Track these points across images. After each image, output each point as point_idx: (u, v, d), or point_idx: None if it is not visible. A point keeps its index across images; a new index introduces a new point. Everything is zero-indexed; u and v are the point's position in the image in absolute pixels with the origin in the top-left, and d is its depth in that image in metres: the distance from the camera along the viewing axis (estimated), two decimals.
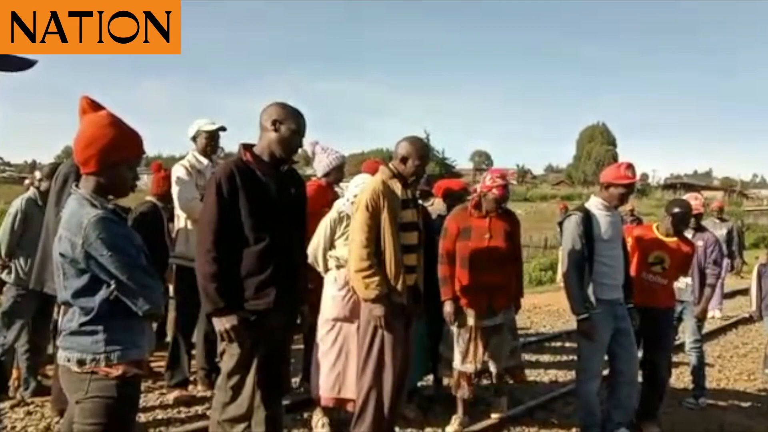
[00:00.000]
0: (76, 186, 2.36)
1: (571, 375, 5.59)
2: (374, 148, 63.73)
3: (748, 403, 5.69)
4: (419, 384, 4.99)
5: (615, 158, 67.66)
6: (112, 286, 2.23)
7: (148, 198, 5.24)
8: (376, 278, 3.49)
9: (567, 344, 7.29)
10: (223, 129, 4.77)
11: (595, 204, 4.17)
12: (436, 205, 5.49)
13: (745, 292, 11.64)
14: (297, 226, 3.16)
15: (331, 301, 4.08)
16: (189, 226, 4.53)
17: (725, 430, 4.96)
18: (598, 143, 74.36)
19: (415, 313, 3.77)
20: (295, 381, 4.77)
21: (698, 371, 5.46)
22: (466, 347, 4.31)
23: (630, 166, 4.13)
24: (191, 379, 4.84)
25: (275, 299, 2.96)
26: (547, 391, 5.41)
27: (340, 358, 4.05)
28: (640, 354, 4.52)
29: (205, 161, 4.71)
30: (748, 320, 9.28)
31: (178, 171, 4.64)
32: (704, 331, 5.87)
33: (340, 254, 4.04)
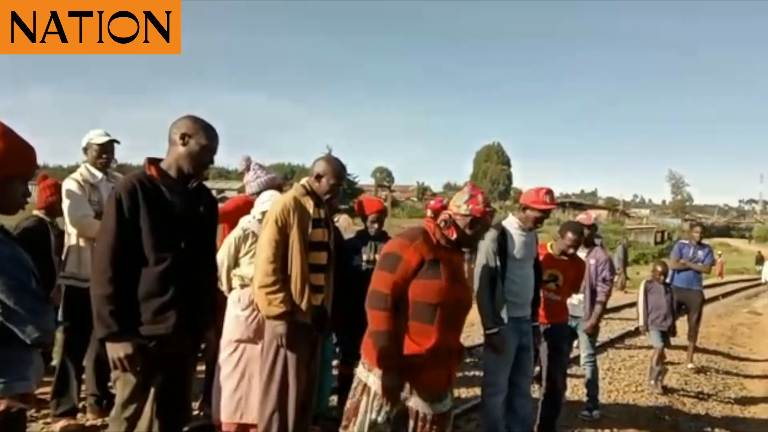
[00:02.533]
0: None
1: (473, 391, 5.70)
2: (276, 163, 63.05)
3: (638, 414, 6.03)
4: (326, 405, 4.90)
5: (509, 177, 70.69)
6: None
7: (35, 212, 4.87)
8: (281, 295, 3.43)
9: (468, 360, 7.43)
10: (116, 142, 4.54)
11: (511, 223, 4.29)
12: (342, 222, 5.46)
13: (631, 306, 12.34)
14: (204, 246, 3.02)
15: (234, 322, 3.95)
16: (82, 243, 4.25)
17: None
18: (493, 163, 77.22)
19: (322, 334, 3.71)
20: (195, 405, 4.56)
21: (592, 384, 5.73)
22: None
23: (549, 192, 4.27)
24: (80, 406, 4.52)
25: (176, 324, 2.78)
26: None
27: (243, 381, 3.92)
28: (536, 369, 4.68)
29: (99, 175, 4.44)
30: (634, 333, 9.88)
31: (68, 185, 4.34)
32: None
33: (244, 273, 3.92)
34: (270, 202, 3.97)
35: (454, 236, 2.98)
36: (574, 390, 6.30)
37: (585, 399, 5.84)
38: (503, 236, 4.15)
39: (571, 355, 6.19)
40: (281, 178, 4.72)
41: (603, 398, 6.10)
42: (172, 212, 2.81)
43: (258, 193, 4.50)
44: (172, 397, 2.87)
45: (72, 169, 4.64)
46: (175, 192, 2.84)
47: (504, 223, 4.32)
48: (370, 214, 4.82)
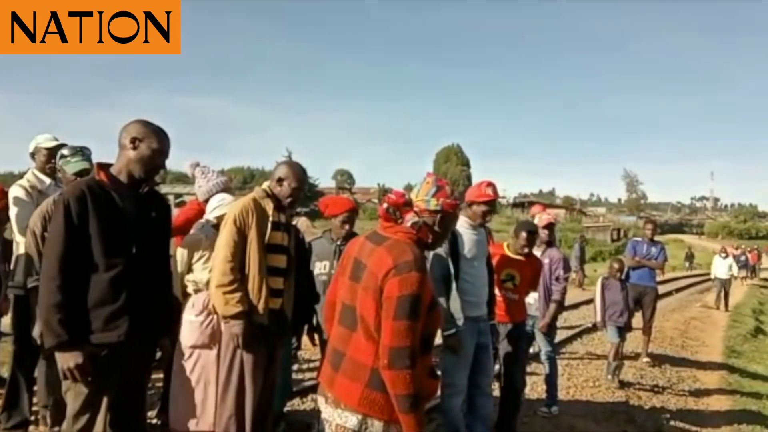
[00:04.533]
0: None
1: None
2: (235, 166, 62.43)
3: (596, 409, 6.14)
4: (285, 410, 4.87)
5: (469, 178, 71.25)
6: None
7: None
8: (237, 295, 3.41)
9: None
10: (65, 146, 4.43)
11: (460, 223, 4.30)
12: (301, 225, 5.41)
13: (588, 302, 12.58)
14: (157, 251, 2.96)
15: (188, 327, 3.88)
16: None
17: None
18: (453, 164, 77.72)
19: (281, 338, 3.69)
20: (152, 414, 4.48)
21: (551, 380, 5.82)
22: None
23: (490, 185, 4.31)
24: (32, 419, 4.40)
25: (128, 331, 2.73)
26: None
27: (198, 387, 3.85)
28: (496, 367, 4.73)
29: (47, 180, 4.33)
30: (591, 330, 10.07)
31: (15, 191, 4.22)
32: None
33: (198, 278, 3.87)
34: (222, 205, 3.94)
35: (430, 239, 2.57)
36: (533, 387, 6.39)
37: (544, 396, 5.92)
38: (453, 236, 4.14)
39: (530, 352, 6.28)
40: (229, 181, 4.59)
41: (561, 394, 6.21)
42: (122, 218, 2.75)
43: (207, 200, 4.43)
44: (126, 406, 2.82)
45: (23, 175, 4.50)
46: (126, 197, 2.79)
47: None
48: (341, 213, 4.64)
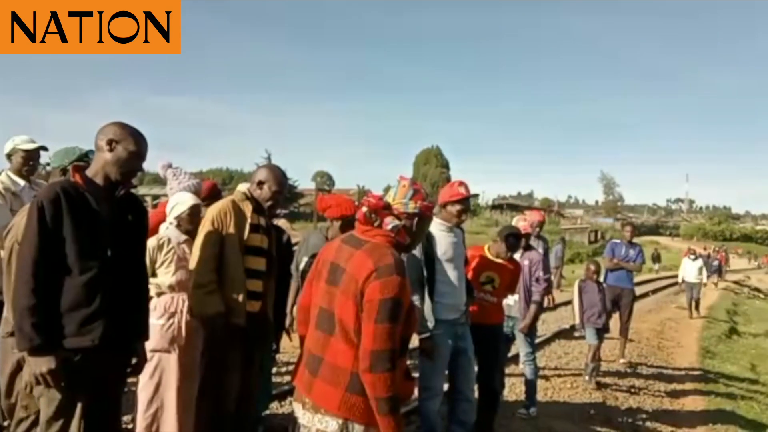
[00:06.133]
0: None
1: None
2: (214, 168, 61.94)
3: (574, 410, 6.19)
4: (264, 413, 4.83)
5: (449, 180, 71.31)
6: None
7: None
8: (215, 295, 3.43)
9: (408, 362, 7.46)
10: (44, 149, 4.35)
11: (435, 225, 4.27)
12: (284, 224, 5.37)
13: (566, 304, 12.67)
14: (133, 254, 2.92)
15: (150, 331, 3.87)
16: (3, 254, 4.05)
17: None
18: (432, 165, 77.88)
19: (262, 341, 3.67)
20: (127, 419, 4.42)
21: (531, 382, 5.84)
22: None
23: (462, 183, 4.31)
24: (5, 424, 4.31)
25: (102, 335, 2.68)
26: None
27: (159, 392, 3.83)
28: (475, 369, 4.74)
29: (21, 182, 4.25)
30: (569, 331, 10.16)
31: None
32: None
33: (160, 281, 3.86)
34: (179, 204, 3.94)
35: (408, 241, 2.59)
36: (512, 389, 6.42)
37: (522, 397, 5.95)
38: (428, 238, 4.11)
39: (510, 355, 6.31)
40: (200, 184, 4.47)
41: (539, 396, 6.25)
42: (97, 220, 2.71)
43: None
44: (101, 412, 2.76)
45: None
46: (102, 199, 2.74)
47: None
48: (339, 218, 4.37)
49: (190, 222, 3.92)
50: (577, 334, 9.12)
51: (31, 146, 4.26)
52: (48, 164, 4.17)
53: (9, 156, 4.28)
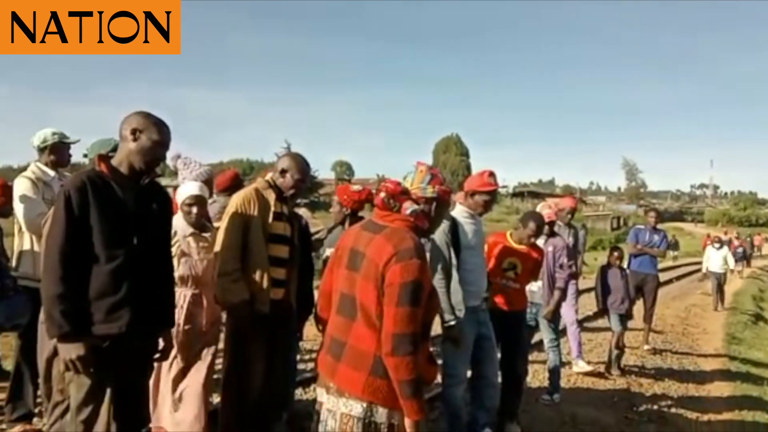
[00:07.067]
0: None
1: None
2: (234, 158, 62.28)
3: (597, 397, 6.17)
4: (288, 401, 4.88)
5: (468, 168, 71.23)
6: None
7: None
8: (239, 283, 3.46)
9: (432, 349, 7.48)
10: (74, 142, 4.41)
11: (460, 212, 4.29)
12: (304, 212, 5.39)
13: (589, 291, 12.59)
14: (158, 242, 2.95)
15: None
16: (36, 247, 4.10)
17: (577, 422, 5.33)
18: (452, 154, 77.56)
19: (285, 328, 3.70)
20: None
21: (555, 368, 5.82)
22: None
23: (492, 174, 4.31)
24: (36, 411, 4.41)
25: (129, 322, 2.73)
26: None
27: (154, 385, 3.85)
28: (498, 356, 4.74)
29: (51, 173, 4.30)
30: (593, 318, 10.10)
31: (22, 187, 4.16)
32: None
33: None
34: (181, 193, 3.93)
35: (426, 225, 2.63)
36: (535, 375, 6.41)
37: (545, 384, 5.94)
38: (454, 225, 4.14)
39: (533, 341, 6.29)
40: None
41: (563, 382, 6.22)
42: (123, 209, 2.75)
43: None
44: (129, 397, 2.82)
45: (22, 169, 4.47)
46: (127, 189, 2.79)
47: (453, 213, 4.31)
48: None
49: (189, 212, 3.88)
50: (600, 321, 9.05)
51: (69, 140, 4.33)
52: (84, 155, 4.20)
53: (41, 148, 4.33)
